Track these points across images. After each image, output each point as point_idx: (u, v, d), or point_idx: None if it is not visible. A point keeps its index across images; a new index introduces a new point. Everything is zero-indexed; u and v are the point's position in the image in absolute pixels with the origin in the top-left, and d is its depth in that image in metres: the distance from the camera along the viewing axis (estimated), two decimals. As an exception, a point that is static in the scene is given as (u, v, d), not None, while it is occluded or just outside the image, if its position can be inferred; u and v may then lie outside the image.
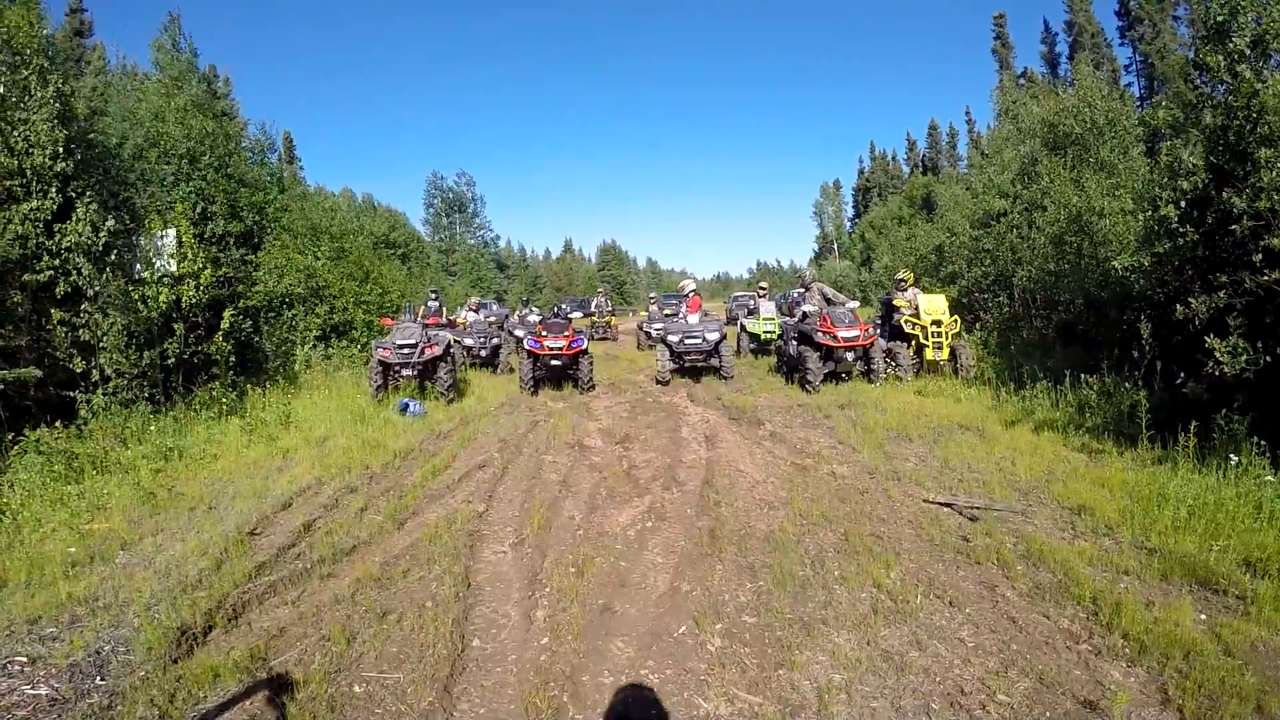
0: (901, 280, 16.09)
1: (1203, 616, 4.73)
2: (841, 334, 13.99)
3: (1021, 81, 50.76)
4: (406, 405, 13.18)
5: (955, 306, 18.15)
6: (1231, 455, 7.06)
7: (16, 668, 4.68)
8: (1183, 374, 8.89)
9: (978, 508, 6.85)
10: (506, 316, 28.13)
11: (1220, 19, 8.87)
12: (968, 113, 79.42)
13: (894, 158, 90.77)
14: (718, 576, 5.62)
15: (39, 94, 11.17)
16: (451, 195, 72.92)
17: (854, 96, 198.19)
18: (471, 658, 4.61)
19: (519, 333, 22.41)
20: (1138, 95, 48.58)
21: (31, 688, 4.43)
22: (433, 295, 22.02)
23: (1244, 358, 7.70)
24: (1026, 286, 16.45)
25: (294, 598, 5.61)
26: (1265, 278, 7.73)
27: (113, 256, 11.75)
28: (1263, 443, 7.03)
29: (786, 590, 5.26)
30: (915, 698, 3.94)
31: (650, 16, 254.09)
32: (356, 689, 4.30)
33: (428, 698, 4.17)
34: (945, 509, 6.97)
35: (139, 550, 6.78)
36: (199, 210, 16.38)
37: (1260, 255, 7.78)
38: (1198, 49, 9.43)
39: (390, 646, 4.77)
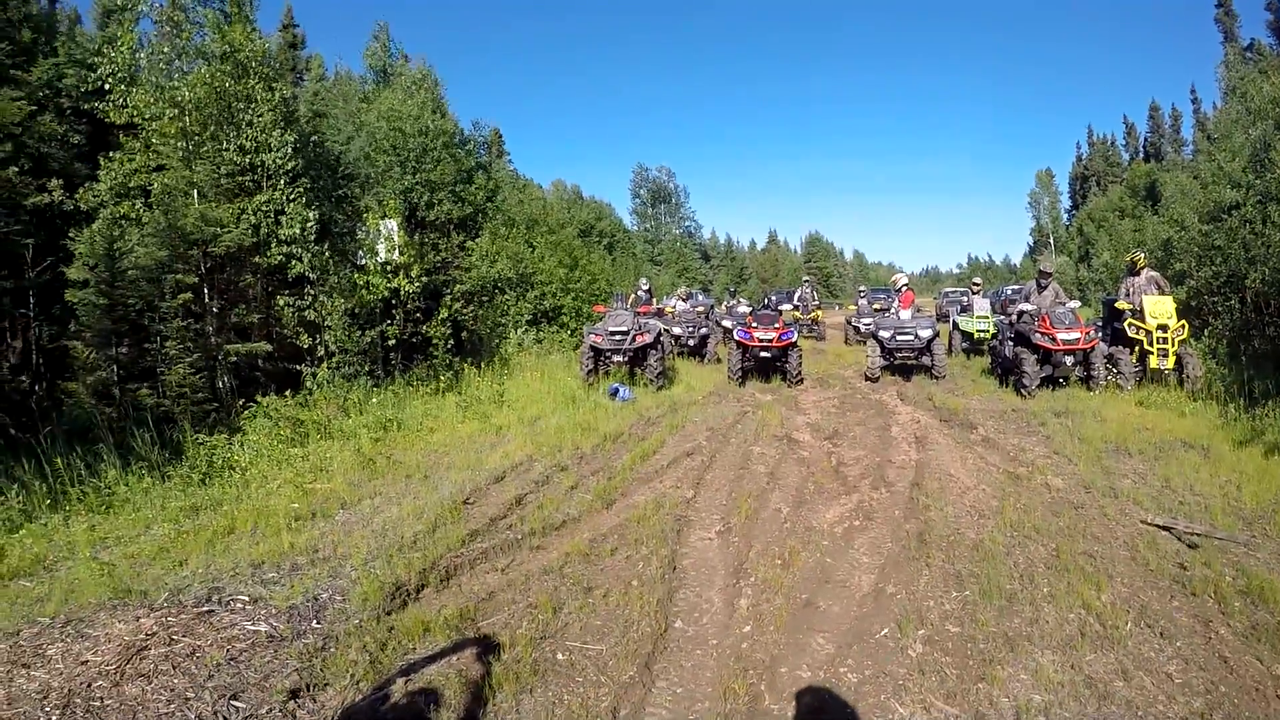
0: (1134, 262, 15.24)
1: None
2: (1061, 336, 13.52)
3: (1249, 55, 47.23)
4: (616, 390, 13.55)
5: (1183, 310, 17.26)
6: None
7: (239, 605, 5.19)
8: None
9: (1198, 534, 6.52)
10: (712, 307, 28.30)
11: None
12: (1193, 91, 74.15)
13: (1113, 143, 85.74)
14: (923, 582, 5.61)
15: (264, 99, 12.33)
16: (655, 186, 73.91)
17: (1068, 78, 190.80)
18: (673, 638, 4.80)
19: (726, 323, 22.61)
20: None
21: (253, 624, 4.88)
22: (644, 284, 22.47)
23: None
24: (1260, 289, 15.39)
25: (503, 566, 5.98)
26: None
27: (326, 245, 12.82)
28: None
29: (992, 602, 5.20)
30: (1116, 729, 3.85)
31: (857, 11, 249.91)
32: (560, 656, 4.57)
33: (629, 671, 4.39)
34: (1163, 532, 6.65)
35: (358, 510, 7.47)
36: (424, 200, 17.37)
37: None
38: None
39: (595, 620, 5.03)
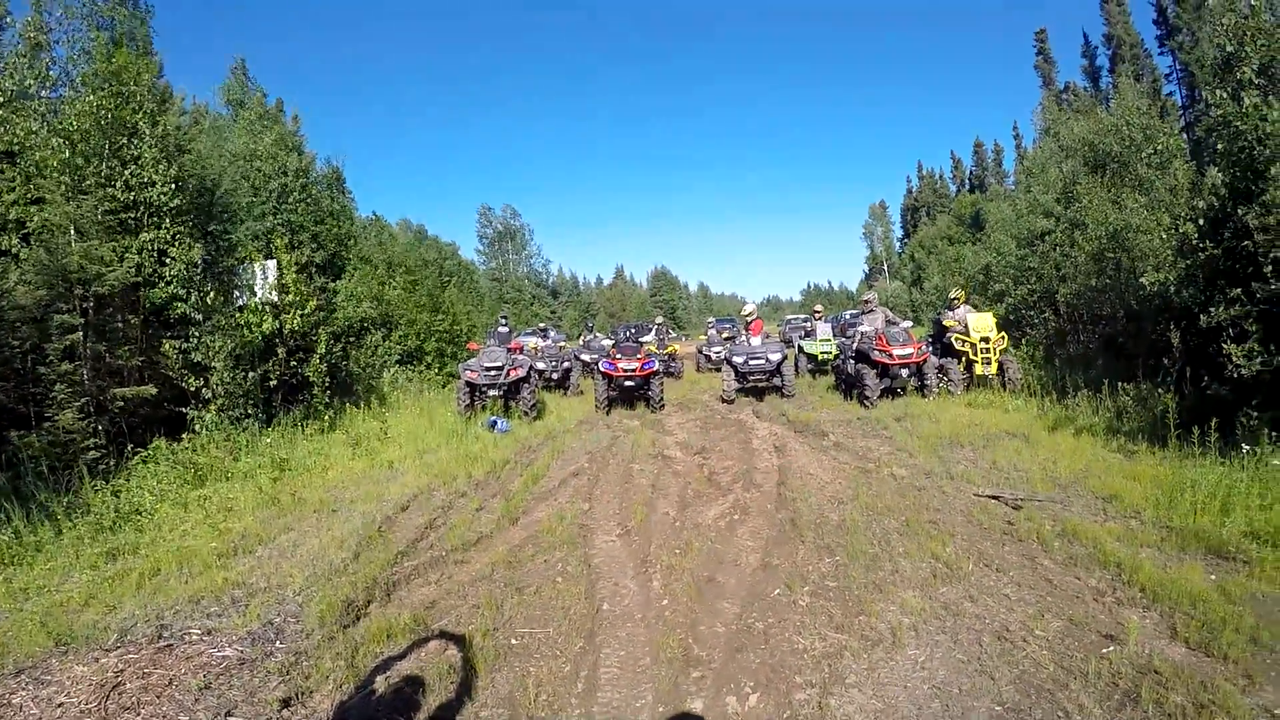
0: (954, 299, 16.73)
1: (1212, 576, 5.56)
2: (896, 352, 14.86)
3: (1065, 96, 51.02)
4: (495, 422, 14.12)
5: (1003, 323, 18.81)
6: (1244, 445, 7.85)
7: (194, 637, 5.45)
8: (1207, 377, 9.52)
9: (1021, 499, 7.76)
10: (568, 340, 28.92)
11: (1230, 49, 9.70)
12: (1015, 129, 79.07)
13: (941, 177, 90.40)
14: (800, 554, 6.59)
15: (148, 133, 12.08)
16: (501, 225, 74.38)
17: (900, 117, 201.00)
18: (605, 617, 5.51)
19: (586, 356, 23.37)
20: (1180, 104, 48.67)
21: (219, 651, 5.18)
22: (503, 321, 23.07)
23: (1259, 360, 8.39)
24: (1070, 302, 17.04)
25: (436, 579, 6.48)
26: (1274, 286, 8.41)
27: (210, 285, 12.62)
28: (1276, 434, 7.81)
29: (859, 563, 6.22)
30: (970, 634, 4.88)
31: (695, 45, 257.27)
32: (514, 642, 5.19)
33: (578, 644, 5.11)
34: (993, 500, 7.84)
35: (276, 545, 7.65)
36: (286, 241, 17.47)
37: (1270, 267, 8.46)
38: (1205, 83, 10.19)
39: (534, 611, 5.67)
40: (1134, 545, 6.28)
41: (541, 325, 28.59)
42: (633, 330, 33.58)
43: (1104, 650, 4.57)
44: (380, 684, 4.69)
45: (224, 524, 8.40)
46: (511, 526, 7.99)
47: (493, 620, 5.52)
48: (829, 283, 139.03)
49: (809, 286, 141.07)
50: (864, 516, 7.50)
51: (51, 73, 12.85)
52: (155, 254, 11.86)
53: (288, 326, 14.32)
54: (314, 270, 18.91)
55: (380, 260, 24.82)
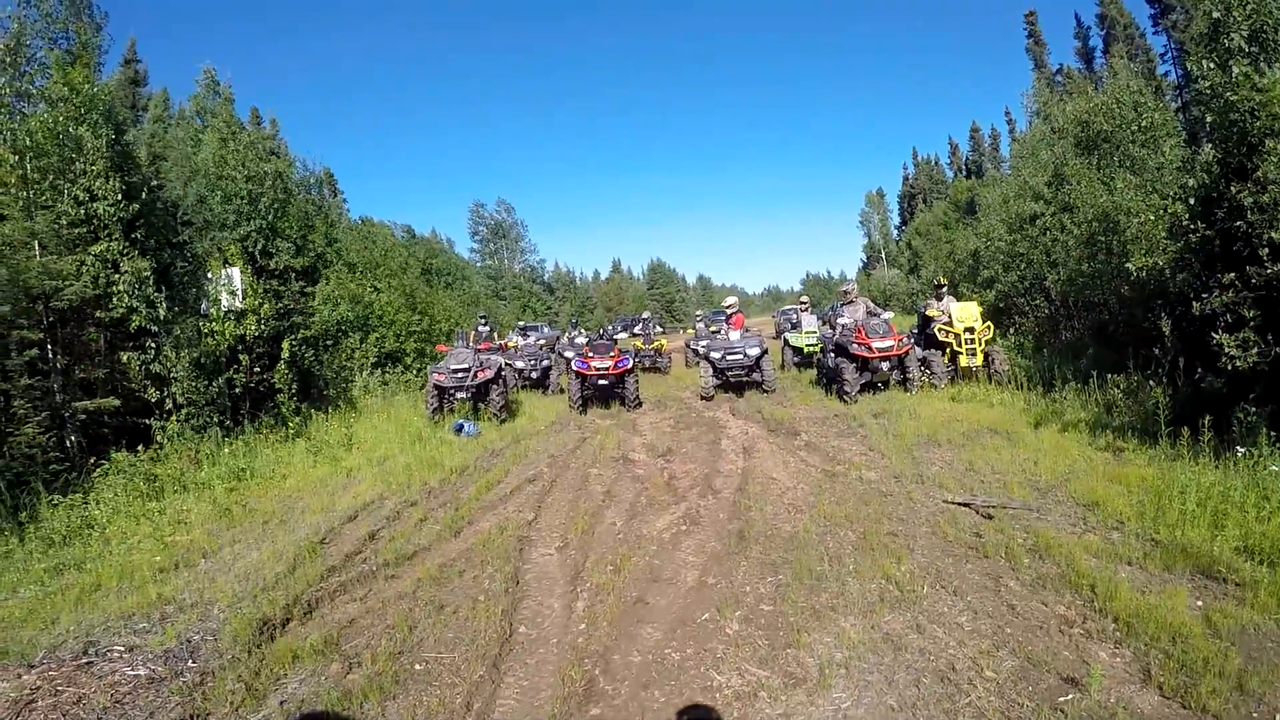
0: (941, 286, 16.42)
1: (1198, 602, 5.00)
2: (876, 345, 14.40)
3: (1058, 79, 50.48)
4: (461, 426, 13.69)
5: (993, 311, 18.36)
6: (1239, 447, 7.29)
7: (116, 654, 5.28)
8: (1201, 369, 9.04)
9: (994, 506, 7.21)
10: (558, 338, 28.57)
11: (1217, 15, 9.15)
12: (1007, 113, 78.16)
13: (937, 163, 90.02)
14: (742, 572, 6.09)
15: (92, 146, 11.88)
16: (494, 222, 74.09)
17: (895, 103, 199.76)
18: (518, 641, 5.14)
19: (568, 354, 22.93)
20: (1175, 83, 48.00)
21: (132, 669, 5.02)
22: (483, 321, 22.61)
23: (1255, 351, 7.90)
24: (1062, 289, 16.61)
25: (361, 595, 6.22)
26: (1270, 270, 7.93)
27: (166, 294, 12.34)
28: (1276, 434, 7.25)
29: (803, 583, 5.69)
30: (908, 673, 4.33)
31: (690, 37, 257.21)
32: (417, 667, 4.89)
33: (479, 672, 4.75)
34: (963, 508, 7.32)
35: (219, 558, 7.50)
36: (260, 247, 17.13)
37: (1266, 249, 7.97)
38: (1190, 53, 9.67)
39: (447, 633, 5.36)
40: (1113, 562, 5.72)
41: (520, 323, 28.18)
42: (626, 322, 33.18)
43: (1062, 698, 4.00)
44: (274, 709, 4.51)
45: (172, 537, 8.28)
46: (452, 539, 7.66)
47: (403, 642, 5.27)
48: (828, 272, 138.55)
49: (808, 276, 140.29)
50: (819, 528, 7.03)
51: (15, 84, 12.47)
52: (108, 266, 11.76)
53: (248, 333, 14.08)
54: (292, 276, 18.46)
55: (362, 262, 24.38)
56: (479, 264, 69.02)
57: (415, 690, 4.61)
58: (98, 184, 11.81)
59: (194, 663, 5.14)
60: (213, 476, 10.58)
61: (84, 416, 10.85)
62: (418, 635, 5.36)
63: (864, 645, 4.68)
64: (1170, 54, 51.56)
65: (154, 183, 14.04)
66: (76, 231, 11.63)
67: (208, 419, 12.41)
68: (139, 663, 5.13)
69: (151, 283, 12.12)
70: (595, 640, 5.06)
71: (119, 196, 11.94)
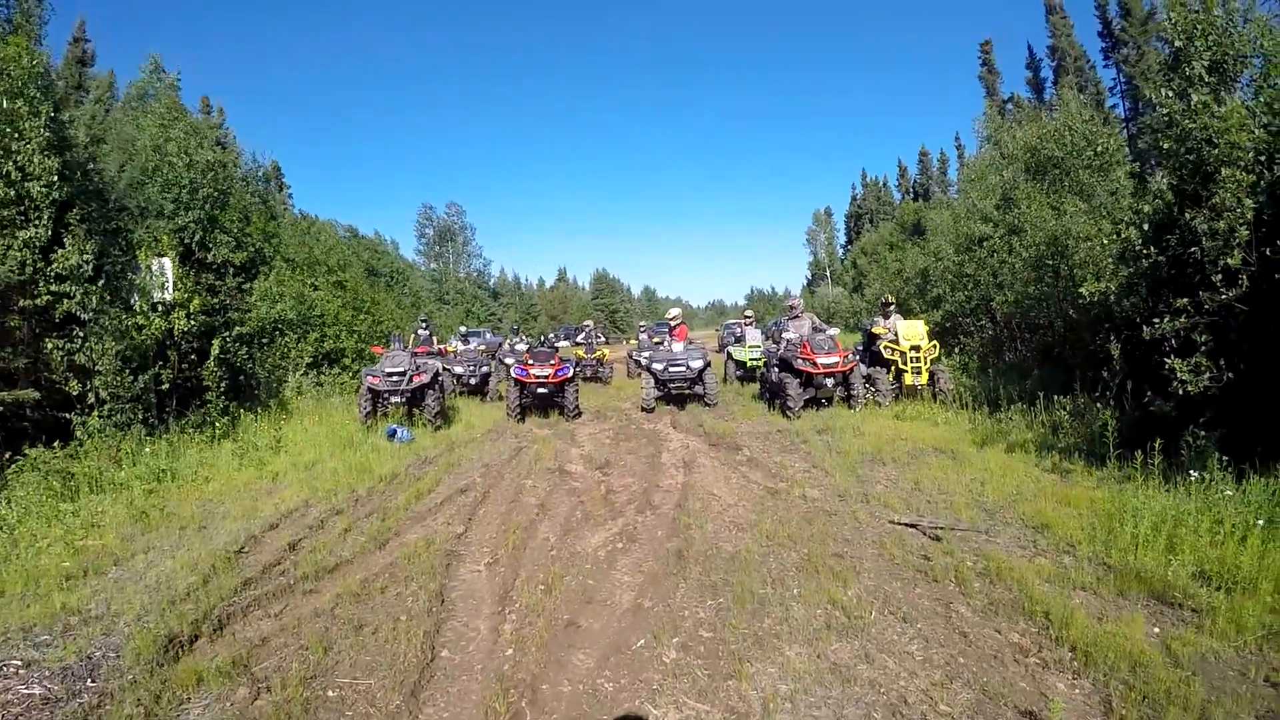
0: (888, 304, 16.38)
1: (1155, 630, 4.85)
2: (821, 361, 14.28)
3: (1009, 107, 51.17)
4: (394, 432, 13.34)
5: (940, 330, 18.37)
6: (1192, 471, 7.19)
7: (11, 670, 4.91)
8: (1150, 392, 9.02)
9: (941, 528, 7.01)
10: (500, 345, 28.28)
11: (1179, 45, 9.16)
12: (957, 138, 79.68)
13: (885, 184, 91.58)
14: (680, 594, 5.78)
15: (29, 123, 11.30)
16: (442, 225, 73.58)
17: (847, 125, 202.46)
18: (440, 667, 4.80)
19: (509, 361, 22.63)
20: (1123, 116, 48.92)
21: (26, 688, 4.66)
22: (423, 324, 22.26)
23: (1207, 376, 7.86)
24: (1007, 310, 16.66)
25: (277, 611, 5.83)
26: (1224, 296, 7.90)
27: (100, 283, 11.84)
28: (1225, 458, 7.18)
29: (745, 607, 5.41)
30: (858, 707, 4.07)
31: (643, 46, 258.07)
32: (330, 693, 4.51)
33: (395, 701, 4.36)
34: (910, 530, 7.12)
35: (131, 566, 7.03)
36: (197, 239, 16.61)
37: (1220, 275, 7.94)
38: (1149, 81, 9.68)
39: (364, 656, 4.97)
40: (1066, 588, 5.55)
41: (463, 329, 27.82)
42: (569, 331, 32.96)
43: (1021, 735, 3.74)
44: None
45: (83, 541, 7.82)
46: (377, 551, 7.26)
47: (317, 665, 4.89)
48: (772, 288, 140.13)
49: (752, 291, 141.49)
50: (761, 548, 6.76)
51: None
52: (37, 251, 11.18)
53: (176, 328, 13.46)
54: (230, 271, 17.89)
55: (302, 259, 23.82)
56: (423, 266, 68.45)
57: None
58: (34, 160, 11.22)
59: (93, 682, 4.77)
60: (132, 477, 10.10)
61: (1, 409, 10.32)
62: (333, 657, 4.98)
63: (810, 676, 4.42)
64: (1119, 87, 52.75)
65: (90, 165, 13.50)
66: (4, 213, 11.04)
67: (131, 415, 11.88)
68: (34, 680, 4.79)
69: (87, 268, 11.61)
70: (523, 668, 4.73)
71: (54, 177, 11.38)
